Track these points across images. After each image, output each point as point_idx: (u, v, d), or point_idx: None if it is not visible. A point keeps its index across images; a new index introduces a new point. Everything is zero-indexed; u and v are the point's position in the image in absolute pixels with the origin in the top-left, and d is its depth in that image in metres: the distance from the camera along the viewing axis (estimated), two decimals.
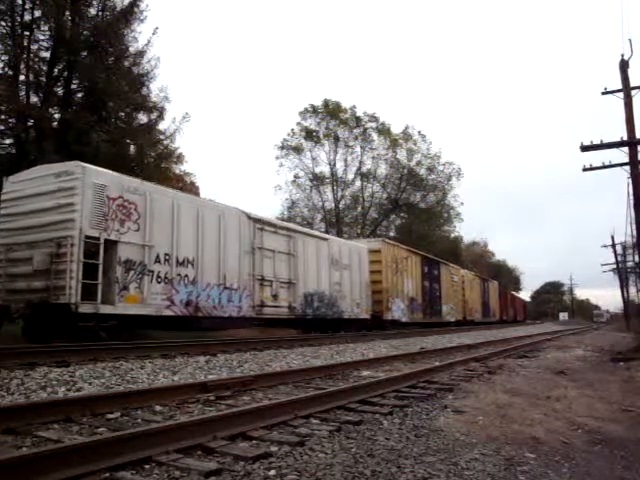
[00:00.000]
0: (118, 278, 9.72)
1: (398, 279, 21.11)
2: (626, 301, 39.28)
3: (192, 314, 11.27)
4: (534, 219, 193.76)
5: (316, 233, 17.10)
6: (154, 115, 19.94)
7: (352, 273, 17.86)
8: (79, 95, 18.64)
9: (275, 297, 13.78)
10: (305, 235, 15.94)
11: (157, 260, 10.58)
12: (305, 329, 16.45)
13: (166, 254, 10.79)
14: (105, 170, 10.20)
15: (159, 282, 10.56)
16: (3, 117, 17.11)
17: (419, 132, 41.40)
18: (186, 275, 11.23)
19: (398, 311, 20.80)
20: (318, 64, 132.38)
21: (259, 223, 13.64)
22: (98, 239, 9.44)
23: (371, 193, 42.01)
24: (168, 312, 10.73)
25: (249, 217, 13.30)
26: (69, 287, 8.92)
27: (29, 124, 16.79)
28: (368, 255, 19.17)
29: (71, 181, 9.50)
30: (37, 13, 17.16)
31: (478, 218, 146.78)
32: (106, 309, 9.45)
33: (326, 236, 17.43)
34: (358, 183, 41.80)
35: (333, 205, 40.59)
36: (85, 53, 17.83)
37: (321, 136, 40.36)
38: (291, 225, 16.52)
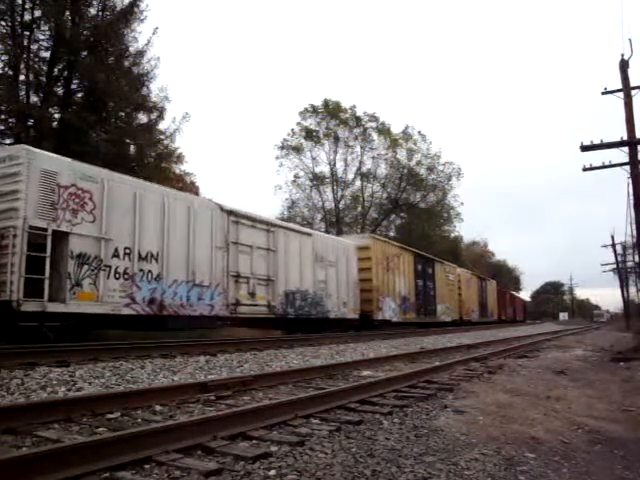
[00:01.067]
0: (70, 273, 8.92)
1: (389, 277, 20.26)
2: (626, 301, 39.29)
3: (156, 313, 10.42)
4: (534, 219, 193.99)
5: (299, 228, 15.98)
6: (154, 115, 19.98)
7: (339, 271, 16.98)
8: (79, 95, 18.66)
9: (252, 295, 12.92)
10: (286, 230, 14.94)
11: (115, 254, 9.77)
12: (289, 330, 15.68)
13: (126, 248, 9.96)
14: (56, 156, 9.48)
15: (117, 278, 9.75)
16: (3, 117, 17.12)
17: (419, 132, 41.52)
18: (150, 271, 10.34)
19: (389, 311, 20.01)
20: (318, 64, 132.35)
21: (234, 216, 12.70)
22: (45, 230, 8.61)
23: (371, 193, 42.08)
24: (128, 311, 9.91)
25: (223, 209, 12.40)
26: (10, 283, 8.11)
27: (29, 124, 16.79)
28: (356, 252, 18.36)
29: (15, 166, 8.63)
30: (37, 13, 17.18)
31: (478, 218, 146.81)
32: (55, 307, 8.64)
33: (310, 231, 16.38)
34: (358, 183, 41.90)
35: (333, 205, 40.63)
36: (85, 53, 17.84)
37: (321, 136, 40.41)
38: (271, 219, 15.38)
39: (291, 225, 15.86)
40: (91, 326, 9.87)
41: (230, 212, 12.61)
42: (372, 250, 19.08)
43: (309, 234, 16.13)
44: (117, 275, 9.81)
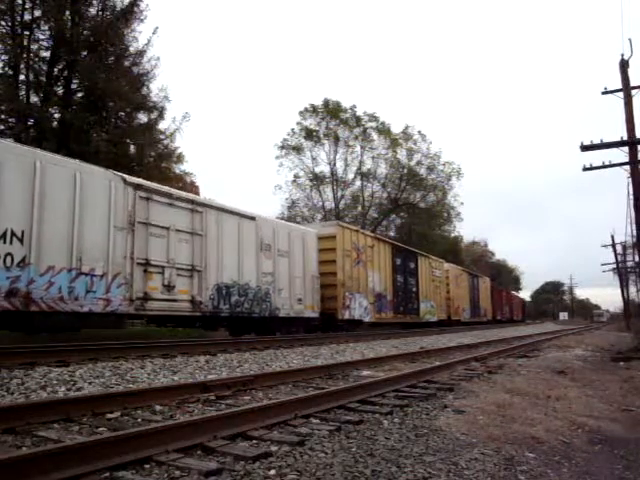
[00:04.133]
0: None
1: (360, 271, 17.87)
2: (626, 301, 39.28)
3: (19, 308, 8.18)
4: (534, 219, 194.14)
5: (237, 209, 13.35)
6: (154, 115, 19.98)
7: (293, 262, 14.64)
8: (79, 95, 18.65)
9: (169, 288, 10.73)
10: (219, 211, 12.47)
11: None
12: (234, 331, 13.95)
13: None
14: None
15: None
16: (3, 117, 17.12)
17: (419, 132, 41.55)
18: (8, 254, 8.11)
19: (359, 309, 17.61)
20: (318, 64, 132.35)
21: (144, 191, 10.54)
22: None
23: (371, 193, 42.09)
24: None
25: (126, 182, 10.21)
26: None
27: (29, 124, 16.80)
28: (318, 241, 16.05)
29: None
30: (37, 13, 17.20)
31: (478, 218, 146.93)
32: None
33: (253, 214, 13.81)
34: (358, 183, 41.91)
35: (333, 205, 40.63)
36: (85, 53, 17.84)
37: (321, 136, 40.43)
38: (197, 197, 12.71)
39: (226, 205, 13.08)
40: None
41: (138, 186, 10.44)
42: (338, 240, 16.71)
43: (252, 217, 13.57)
44: None
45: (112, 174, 10.19)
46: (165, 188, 11.48)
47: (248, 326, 13.91)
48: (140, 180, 10.86)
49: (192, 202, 11.75)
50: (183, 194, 11.98)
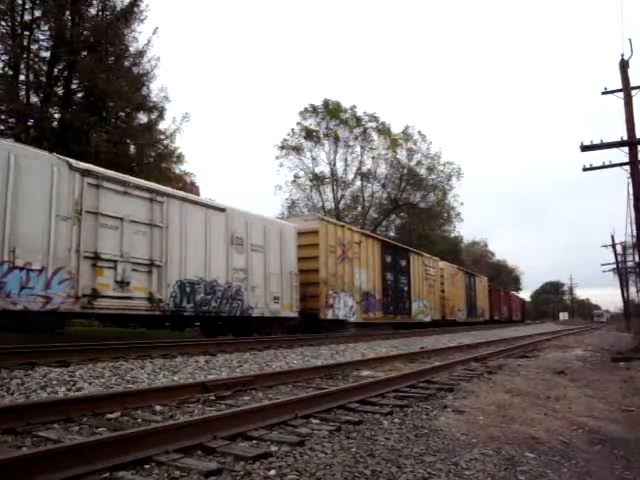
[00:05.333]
0: None
1: (345, 268, 16.93)
2: (626, 301, 39.28)
3: None
4: (534, 219, 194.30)
5: (204, 200, 12.42)
6: (154, 115, 20.01)
7: (269, 257, 13.67)
8: (79, 95, 18.68)
9: (123, 284, 9.79)
10: (183, 201, 11.50)
11: None
12: (207, 332, 13.14)
13: None
14: None
15: None
16: (3, 117, 17.14)
17: (419, 132, 41.60)
18: None
19: (344, 309, 16.70)
20: (318, 64, 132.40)
21: (93, 177, 9.54)
22: None
23: (371, 193, 42.12)
24: None
25: (72, 167, 9.26)
26: None
27: (29, 124, 16.82)
28: (299, 237, 15.15)
29: None
30: (37, 13, 17.23)
31: (478, 218, 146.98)
32: None
33: (223, 205, 12.79)
34: (358, 183, 41.94)
35: (333, 205, 40.65)
36: (85, 53, 17.86)
37: (321, 136, 40.46)
38: (157, 186, 11.38)
39: (191, 196, 12.05)
40: None
41: (86, 172, 9.46)
42: (321, 235, 15.81)
43: (221, 209, 12.51)
44: None
45: (55, 158, 9.27)
46: (119, 175, 10.38)
47: (224, 326, 13.14)
48: (89, 165, 9.82)
49: (151, 191, 10.74)
50: (140, 182, 10.82)
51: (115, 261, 9.73)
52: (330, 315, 15.91)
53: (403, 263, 21.96)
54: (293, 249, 14.83)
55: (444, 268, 27.69)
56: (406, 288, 21.94)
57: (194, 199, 12.16)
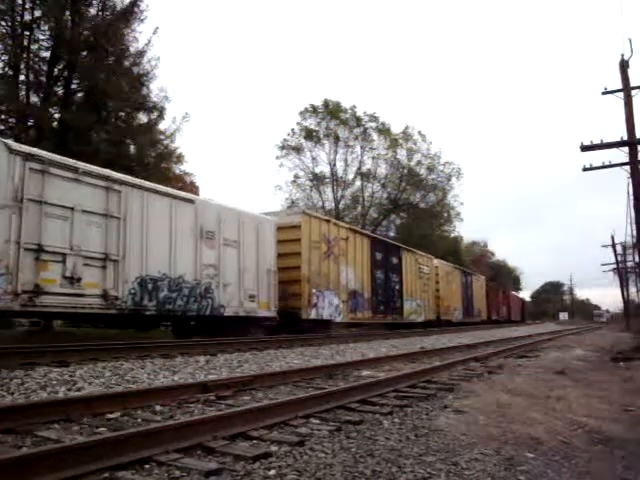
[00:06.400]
0: None
1: (330, 265, 16.02)
2: (626, 301, 39.29)
3: None
4: (534, 219, 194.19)
5: (170, 190, 11.59)
6: (154, 115, 20.04)
7: (244, 253, 12.76)
8: (79, 95, 18.69)
9: (73, 280, 8.92)
10: (145, 191, 10.59)
11: None
12: (177, 333, 12.34)
13: None
14: None
15: None
16: (3, 117, 17.15)
17: (419, 132, 41.57)
18: None
19: (329, 308, 15.81)
20: (318, 64, 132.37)
21: (37, 162, 8.69)
22: None
23: (371, 193, 42.11)
24: None
25: (12, 150, 8.42)
26: None
27: (29, 124, 16.82)
28: (280, 232, 14.31)
29: None
30: (37, 13, 17.24)
31: (478, 218, 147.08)
32: None
33: (191, 196, 12.06)
34: (358, 183, 41.93)
35: (333, 205, 40.65)
36: (85, 53, 17.88)
37: (321, 136, 40.47)
38: (115, 174, 10.36)
39: (155, 185, 11.21)
40: None
41: (29, 156, 8.63)
42: (303, 230, 14.86)
43: (189, 200, 11.74)
44: None
45: None
46: (69, 160, 9.49)
47: (197, 327, 12.33)
48: (33, 149, 9.00)
49: (107, 179, 9.86)
50: (94, 168, 9.88)
51: (64, 254, 8.86)
52: (314, 315, 15.06)
53: (394, 261, 21.04)
54: (272, 244, 13.92)
55: (439, 266, 26.89)
56: (397, 287, 21.03)
57: (157, 189, 11.14)
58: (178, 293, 10.99)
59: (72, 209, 9.10)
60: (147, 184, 11.00)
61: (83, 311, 9.24)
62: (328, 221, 16.79)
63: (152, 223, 10.54)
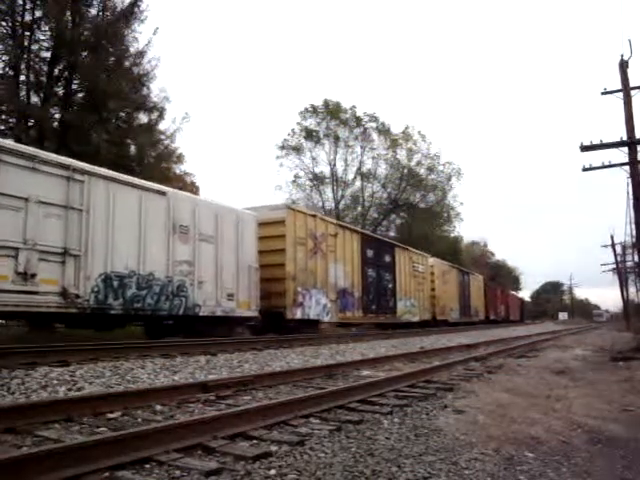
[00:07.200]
0: None
1: (318, 263, 15.39)
2: (626, 301, 39.28)
3: None
4: (534, 219, 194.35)
5: (139, 182, 10.84)
6: (154, 115, 20.03)
7: (222, 249, 12.10)
8: (79, 95, 18.67)
9: (27, 277, 8.25)
10: (111, 181, 9.92)
11: None
12: (151, 334, 11.74)
13: None
14: None
15: None
16: (3, 117, 17.15)
17: (419, 132, 41.56)
18: None
19: (316, 307, 15.12)
20: (318, 64, 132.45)
21: None
22: None
23: (371, 193, 42.09)
24: None
25: None
26: None
27: (29, 124, 16.82)
28: (263, 228, 13.68)
29: None
30: (38, 13, 17.21)
31: (478, 218, 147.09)
32: None
33: (164, 188, 11.33)
34: (358, 183, 41.91)
35: (333, 205, 40.65)
36: (86, 53, 17.86)
37: (321, 136, 40.45)
38: (77, 162, 9.64)
39: (121, 175, 10.49)
40: None
41: None
42: (288, 226, 14.19)
43: (161, 192, 10.98)
44: None
45: None
46: (24, 148, 8.88)
47: (174, 327, 11.72)
48: None
49: (68, 168, 9.13)
50: (54, 157, 9.24)
51: (16, 249, 8.16)
52: (299, 314, 14.35)
53: (387, 259, 20.36)
54: (252, 240, 13.18)
55: (434, 265, 26.22)
56: (390, 286, 20.35)
57: (124, 179, 10.39)
58: (148, 291, 10.30)
59: (27, 200, 8.42)
60: (112, 174, 10.22)
61: (39, 310, 8.56)
62: (314, 216, 16.09)
63: (119, 215, 9.87)
